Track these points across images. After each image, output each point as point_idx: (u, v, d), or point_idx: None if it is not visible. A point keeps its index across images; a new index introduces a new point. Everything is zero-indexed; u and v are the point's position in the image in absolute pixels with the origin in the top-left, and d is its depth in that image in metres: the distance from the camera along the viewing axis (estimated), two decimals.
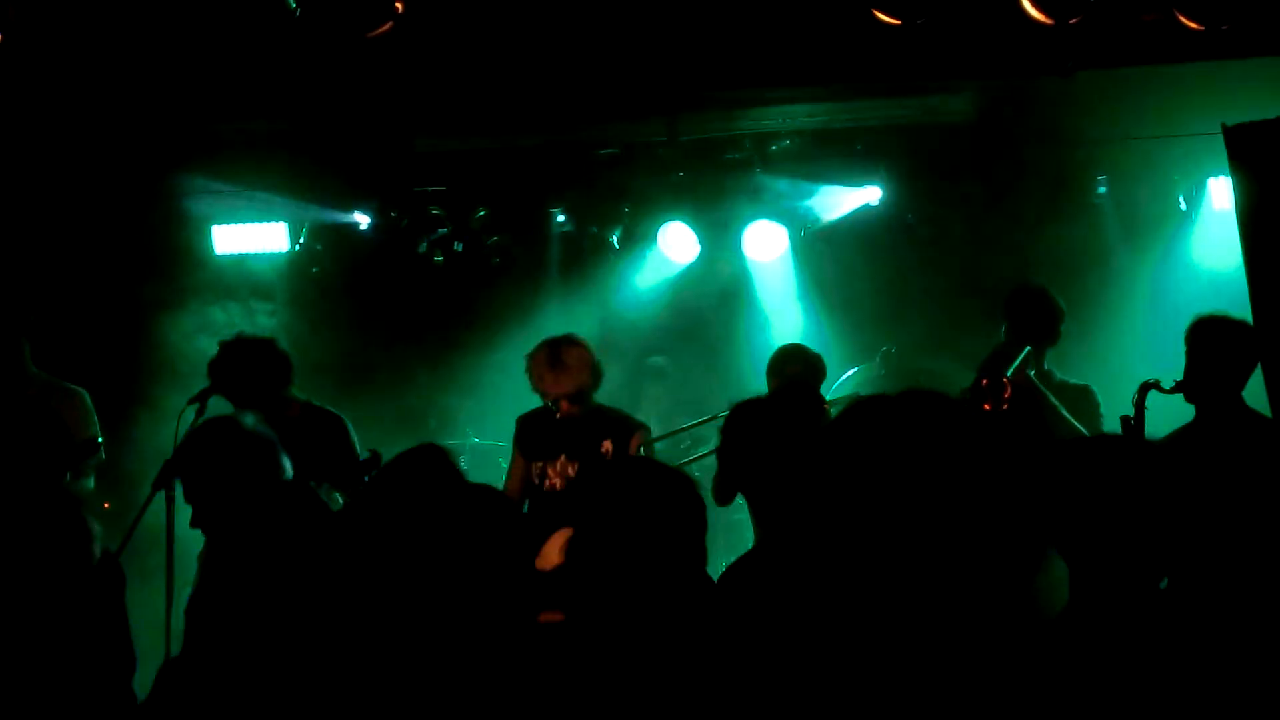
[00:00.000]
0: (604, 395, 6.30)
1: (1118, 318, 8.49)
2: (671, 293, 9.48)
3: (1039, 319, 6.07)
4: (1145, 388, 5.06)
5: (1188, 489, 2.60)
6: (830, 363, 7.21)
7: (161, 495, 5.43)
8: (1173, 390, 5.08)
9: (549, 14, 6.32)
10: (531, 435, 6.23)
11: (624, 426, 6.13)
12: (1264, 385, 5.19)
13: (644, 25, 6.42)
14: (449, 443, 6.93)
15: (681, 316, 9.50)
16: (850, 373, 8.28)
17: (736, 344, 9.39)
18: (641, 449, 6.14)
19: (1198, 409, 5.12)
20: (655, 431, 8.39)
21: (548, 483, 6.11)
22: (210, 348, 6.40)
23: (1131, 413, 5.01)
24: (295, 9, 6.03)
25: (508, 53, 6.59)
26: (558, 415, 6.04)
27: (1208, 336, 5.07)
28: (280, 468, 4.39)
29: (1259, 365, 5.13)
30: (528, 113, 8.28)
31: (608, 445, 6.02)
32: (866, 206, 8.99)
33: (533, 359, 6.11)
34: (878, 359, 8.37)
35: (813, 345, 7.01)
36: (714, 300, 9.53)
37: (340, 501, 5.70)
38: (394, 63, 6.60)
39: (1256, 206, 5.40)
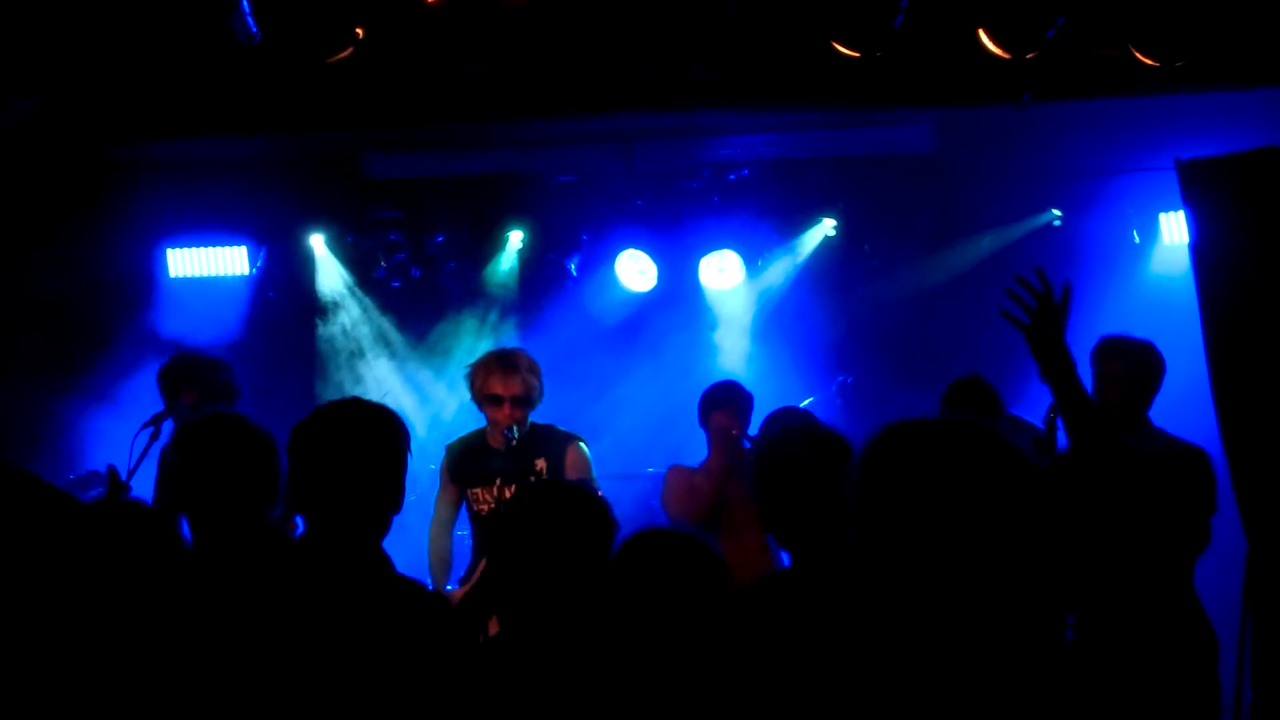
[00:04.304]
0: (563, 421, 6.20)
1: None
2: (628, 321, 9.46)
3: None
4: (1056, 408, 5.07)
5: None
6: (785, 392, 7.21)
7: None
8: None
9: (510, 39, 6.33)
10: (464, 462, 6.03)
11: (557, 441, 5.93)
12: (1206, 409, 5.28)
13: (603, 49, 6.45)
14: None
15: (638, 345, 9.48)
16: (805, 402, 8.29)
17: (693, 373, 9.37)
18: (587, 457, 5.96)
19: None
20: (621, 465, 8.36)
21: (487, 507, 5.87)
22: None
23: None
24: (256, 34, 6.01)
25: (468, 79, 6.60)
26: (501, 422, 5.81)
27: (1111, 355, 5.16)
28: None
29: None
30: (486, 139, 8.29)
31: (541, 464, 5.83)
32: (823, 237, 9.04)
33: (479, 364, 5.95)
34: (834, 389, 8.39)
35: (768, 375, 6.97)
36: (670, 328, 9.51)
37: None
38: (353, 88, 6.59)
39: (1208, 240, 5.48)
